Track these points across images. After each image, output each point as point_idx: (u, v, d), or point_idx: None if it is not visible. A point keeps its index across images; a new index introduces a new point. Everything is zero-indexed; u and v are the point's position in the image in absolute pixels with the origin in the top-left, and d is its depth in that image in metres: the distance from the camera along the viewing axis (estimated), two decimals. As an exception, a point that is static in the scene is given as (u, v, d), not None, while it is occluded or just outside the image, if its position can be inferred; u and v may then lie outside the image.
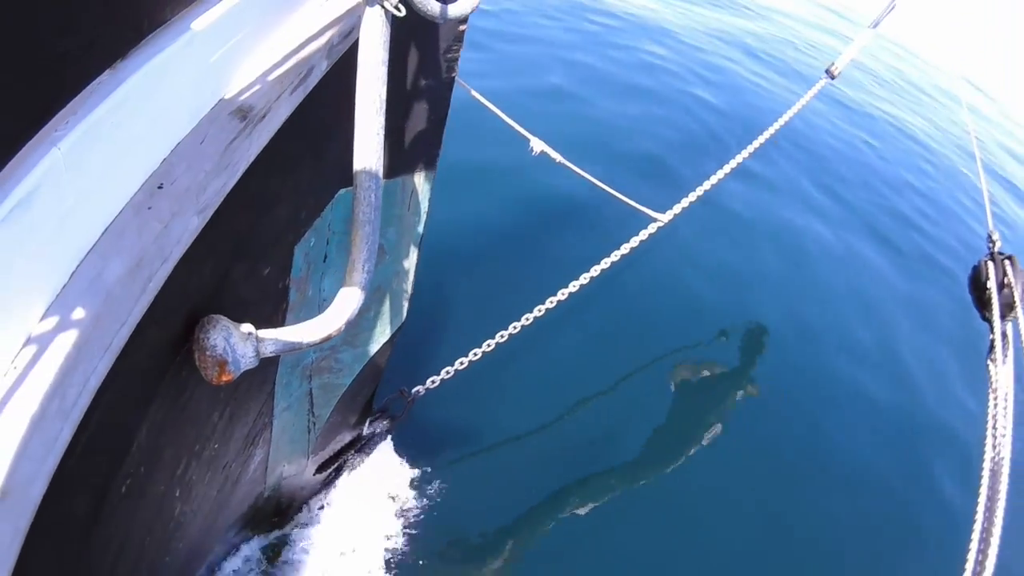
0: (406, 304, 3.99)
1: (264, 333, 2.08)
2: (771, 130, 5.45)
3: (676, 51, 12.30)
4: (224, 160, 1.83)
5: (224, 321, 1.99)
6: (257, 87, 1.96)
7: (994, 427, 2.04)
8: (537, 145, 5.06)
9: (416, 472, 4.81)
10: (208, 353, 1.94)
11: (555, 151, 5.11)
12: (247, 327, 2.03)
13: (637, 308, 6.66)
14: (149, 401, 1.91)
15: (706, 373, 6.48)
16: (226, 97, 1.93)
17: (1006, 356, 2.25)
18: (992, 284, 2.36)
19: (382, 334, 3.88)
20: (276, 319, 2.79)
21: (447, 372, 5.04)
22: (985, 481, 1.92)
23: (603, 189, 5.57)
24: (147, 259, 1.62)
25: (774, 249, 8.03)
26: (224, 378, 1.97)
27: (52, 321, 1.43)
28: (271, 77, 1.99)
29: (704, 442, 5.80)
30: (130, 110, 1.57)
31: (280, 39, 2.13)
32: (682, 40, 13.04)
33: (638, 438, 5.71)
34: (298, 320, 3.04)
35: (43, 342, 1.41)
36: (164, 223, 1.67)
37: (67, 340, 1.43)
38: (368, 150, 2.23)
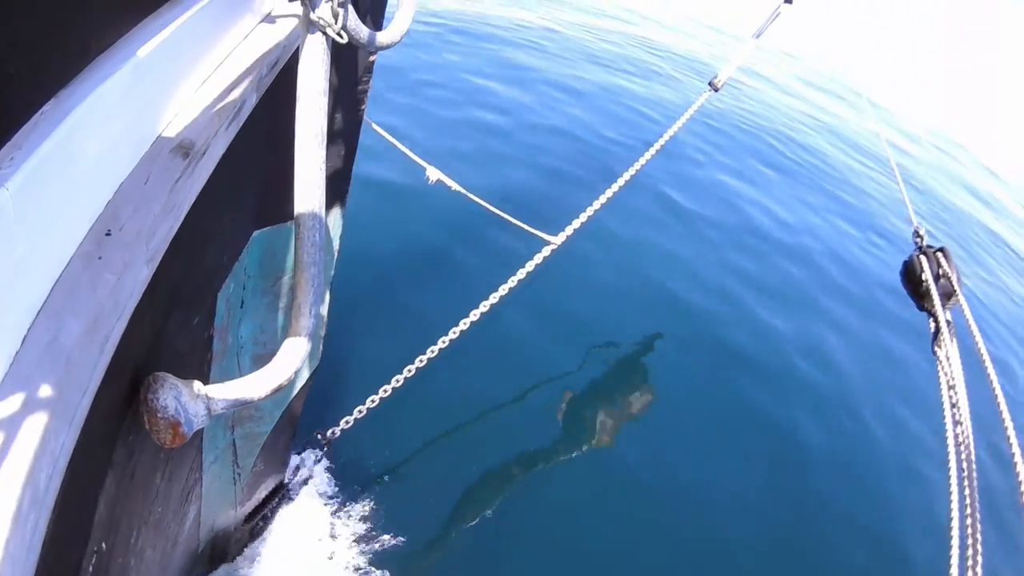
0: (320, 347, 3.83)
1: (212, 390, 1.91)
2: (656, 147, 5.68)
3: (549, 71, 12.51)
4: (170, 201, 1.67)
5: (171, 379, 1.82)
6: (198, 121, 1.81)
7: (953, 405, 2.23)
8: (433, 174, 5.04)
9: (341, 509, 4.68)
10: (160, 415, 1.75)
11: (451, 179, 5.11)
12: (197, 385, 1.86)
13: (531, 328, 6.72)
14: (105, 472, 1.70)
15: (602, 387, 6.62)
16: (164, 133, 1.77)
17: (952, 339, 2.48)
18: (928, 276, 2.59)
19: (300, 379, 3.69)
20: (203, 371, 2.59)
21: (359, 411, 4.89)
22: (952, 454, 2.09)
23: (498, 215, 5.62)
24: (103, 316, 1.45)
25: (660, 264, 8.27)
26: (177, 441, 1.79)
27: (14, 398, 1.24)
28: (212, 111, 1.85)
29: (601, 450, 5.92)
30: (77, 145, 1.40)
31: (216, 68, 1.99)
32: (557, 57, 13.27)
33: (541, 451, 5.79)
34: (222, 371, 2.83)
35: (7, 425, 1.21)
36: (117, 274, 1.49)
37: (33, 420, 1.24)
38: (310, 187, 2.11)
